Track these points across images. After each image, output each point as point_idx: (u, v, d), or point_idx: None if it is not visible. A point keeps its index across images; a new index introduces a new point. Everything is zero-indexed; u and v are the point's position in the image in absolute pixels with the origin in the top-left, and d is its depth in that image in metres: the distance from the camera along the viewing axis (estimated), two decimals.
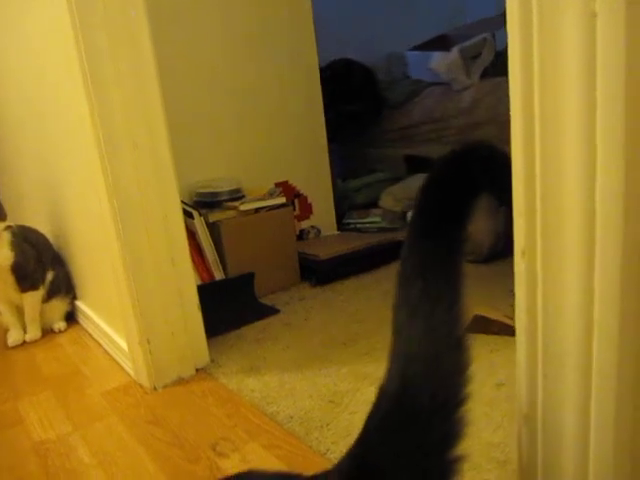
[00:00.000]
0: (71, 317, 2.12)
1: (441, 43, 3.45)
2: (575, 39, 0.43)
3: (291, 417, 1.29)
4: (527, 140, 0.51)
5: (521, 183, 0.52)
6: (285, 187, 2.40)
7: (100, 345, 1.86)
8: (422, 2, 4.27)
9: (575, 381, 0.50)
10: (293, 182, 2.46)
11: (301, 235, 2.49)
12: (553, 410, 0.53)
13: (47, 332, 2.03)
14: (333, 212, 2.64)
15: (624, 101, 0.41)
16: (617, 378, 0.47)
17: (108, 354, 1.78)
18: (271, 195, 2.12)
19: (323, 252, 2.21)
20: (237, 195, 2.08)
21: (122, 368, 1.67)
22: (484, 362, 1.43)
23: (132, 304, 1.46)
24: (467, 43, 3.12)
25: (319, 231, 2.53)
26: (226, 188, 2.06)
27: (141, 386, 1.54)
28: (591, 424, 0.50)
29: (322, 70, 2.57)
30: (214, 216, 1.97)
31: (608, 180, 0.43)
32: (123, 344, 1.63)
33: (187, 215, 1.90)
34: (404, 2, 4.24)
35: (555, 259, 0.48)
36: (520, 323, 0.55)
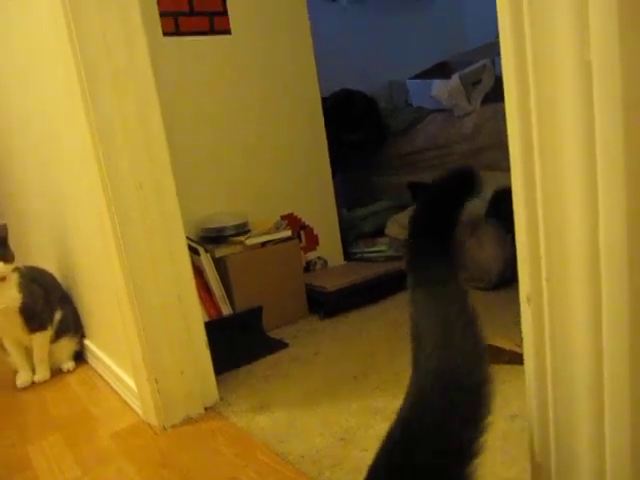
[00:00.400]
0: (80, 356, 2.11)
1: (441, 70, 3.49)
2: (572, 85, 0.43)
3: (302, 456, 1.27)
4: (528, 187, 0.51)
5: (524, 229, 0.52)
6: (291, 219, 2.41)
7: (109, 385, 1.85)
8: (421, 30, 4.33)
9: (588, 428, 0.49)
10: (298, 214, 2.47)
11: (308, 267, 2.48)
12: (566, 459, 0.52)
13: (56, 372, 2.02)
14: (339, 242, 2.63)
15: (624, 146, 0.41)
16: (630, 424, 0.45)
17: (117, 394, 1.77)
18: (277, 228, 2.12)
19: (330, 283, 2.20)
20: (243, 229, 2.09)
21: (131, 408, 1.66)
22: (497, 394, 1.40)
23: (140, 343, 1.46)
24: (467, 70, 3.15)
25: (326, 262, 2.53)
26: (231, 223, 2.07)
27: (150, 426, 1.53)
28: (607, 472, 0.49)
29: (324, 101, 2.60)
30: (220, 251, 1.97)
31: (611, 225, 0.42)
32: (131, 383, 1.62)
33: (193, 251, 1.91)
34: (403, 30, 4.30)
35: (561, 305, 0.47)
36: (529, 368, 0.54)
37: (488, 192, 2.73)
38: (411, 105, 3.66)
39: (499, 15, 0.52)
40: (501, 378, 1.48)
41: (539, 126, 0.49)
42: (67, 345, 2.04)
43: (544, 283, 0.48)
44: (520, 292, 0.55)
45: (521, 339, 1.66)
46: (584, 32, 0.41)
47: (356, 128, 3.48)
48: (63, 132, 1.65)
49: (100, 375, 1.94)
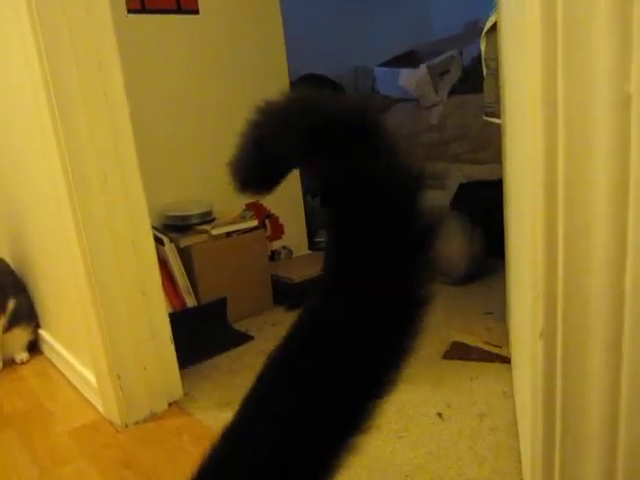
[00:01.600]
0: (34, 347, 2.02)
1: (409, 59, 3.47)
2: (607, 123, 0.41)
3: None
4: (550, 224, 0.46)
5: (542, 263, 0.48)
6: (256, 208, 2.36)
7: (65, 378, 1.78)
8: (389, 17, 4.30)
9: None
10: (264, 202, 2.42)
11: (273, 256, 2.44)
12: None
13: (8, 363, 1.93)
14: (305, 231, 2.60)
15: None
16: None
17: (75, 388, 1.71)
18: (243, 218, 2.07)
19: (296, 274, 2.17)
20: (208, 218, 2.03)
21: (90, 403, 1.60)
22: (464, 392, 1.41)
23: (101, 338, 1.40)
24: (435, 60, 3.14)
25: (291, 251, 2.50)
26: (196, 211, 2.01)
27: (111, 423, 1.48)
28: None
29: (292, 85, 2.54)
30: (185, 241, 1.91)
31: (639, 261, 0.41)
32: (91, 378, 1.56)
33: (157, 241, 1.84)
34: (371, 17, 4.26)
35: (578, 342, 0.45)
36: (535, 408, 0.51)
37: (453, 184, 2.75)
38: (377, 92, 3.63)
39: (528, 35, 0.48)
40: (468, 375, 1.49)
41: (566, 161, 0.46)
42: (21, 335, 1.95)
43: (559, 319, 0.45)
44: (530, 326, 0.51)
45: (489, 335, 1.67)
46: (626, 61, 0.38)
47: None
48: (19, 112, 1.56)
49: (56, 367, 1.87)
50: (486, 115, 1.73)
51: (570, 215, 0.46)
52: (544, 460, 0.52)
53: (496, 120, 1.66)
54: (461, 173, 2.83)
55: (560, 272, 0.45)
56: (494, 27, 1.58)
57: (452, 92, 3.12)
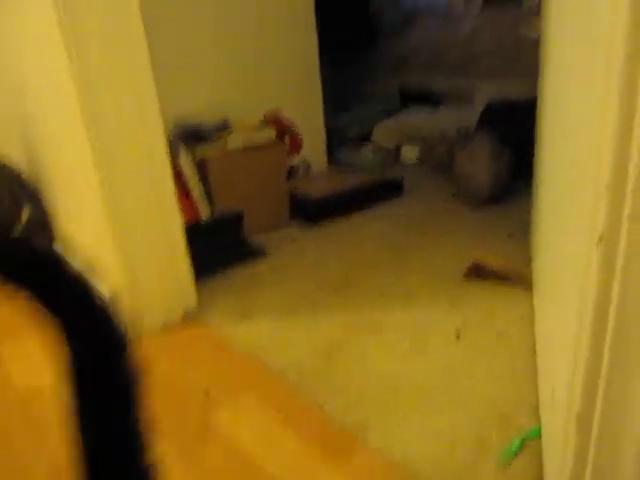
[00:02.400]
0: None
1: None
2: None
3: (285, 367, 1.24)
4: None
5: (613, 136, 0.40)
6: (275, 121, 2.27)
7: None
8: None
9: None
10: (283, 114, 2.33)
11: (291, 171, 2.38)
12: None
13: None
14: (324, 146, 2.52)
15: None
16: None
17: None
18: (260, 129, 1.99)
19: (314, 190, 2.12)
20: (224, 127, 1.95)
21: None
22: (482, 311, 1.39)
23: (114, 245, 1.38)
24: None
25: (309, 166, 2.43)
26: (212, 121, 1.93)
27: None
28: None
29: None
30: (200, 152, 1.85)
31: None
32: (105, 287, 1.55)
33: (171, 152, 1.78)
34: None
35: None
36: (585, 324, 0.46)
37: (481, 102, 2.61)
38: (403, 3, 3.41)
39: None
40: (486, 296, 1.46)
41: None
42: None
43: (625, 222, 0.39)
44: (584, 228, 0.45)
45: (510, 257, 1.62)
46: None
47: (345, 25, 3.25)
48: (28, 13, 1.46)
49: None
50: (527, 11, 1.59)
51: None
52: (585, 386, 0.48)
53: (534, 34, 1.53)
54: (489, 91, 2.69)
55: (633, 163, 0.38)
56: None
57: (486, 2, 2.92)
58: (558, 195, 0.88)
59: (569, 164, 0.67)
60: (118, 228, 1.35)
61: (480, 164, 1.96)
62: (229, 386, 1.20)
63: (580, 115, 0.59)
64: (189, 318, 1.51)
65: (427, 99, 3.05)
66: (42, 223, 1.94)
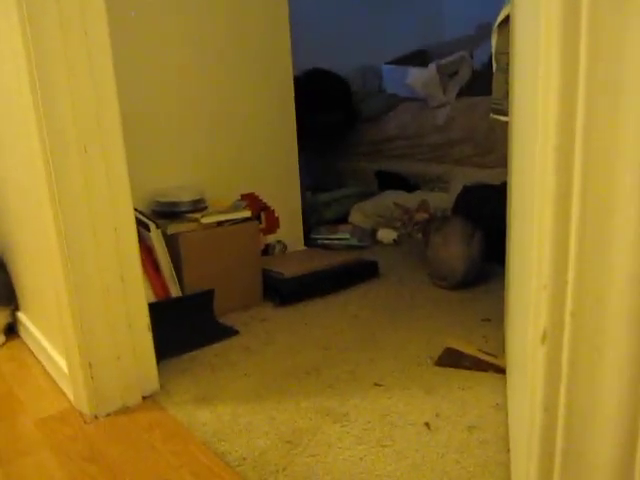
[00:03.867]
0: (12, 330, 1.95)
1: (418, 58, 3.40)
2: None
3: (244, 458, 1.17)
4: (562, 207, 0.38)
5: (549, 238, 0.40)
6: (251, 199, 2.28)
7: (40, 363, 1.70)
8: (400, 16, 4.23)
9: None
10: (260, 194, 2.35)
11: (266, 250, 2.37)
12: None
13: None
14: (301, 227, 2.53)
15: None
16: None
17: (48, 375, 1.63)
18: (236, 208, 1.99)
19: (288, 270, 2.09)
20: (199, 206, 1.95)
21: (62, 392, 1.52)
22: (455, 401, 1.33)
23: (74, 324, 1.32)
24: (445, 60, 3.07)
25: (285, 246, 2.42)
26: (187, 198, 1.93)
27: (80, 414, 1.40)
28: None
29: (296, 79, 2.47)
30: (173, 228, 1.83)
31: None
32: (63, 365, 1.48)
33: (143, 227, 1.77)
34: (382, 15, 4.19)
35: (588, 345, 0.37)
36: (534, 424, 0.43)
37: (457, 187, 2.66)
38: (384, 91, 3.56)
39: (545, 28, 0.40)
40: (459, 384, 1.41)
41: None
42: None
43: (567, 318, 0.37)
44: (529, 327, 0.42)
45: (484, 343, 1.59)
46: None
47: (327, 110, 3.37)
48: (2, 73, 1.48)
49: (31, 352, 1.79)
50: (493, 113, 1.65)
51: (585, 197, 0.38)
52: None
53: (503, 118, 1.58)
54: (464, 176, 2.75)
55: (572, 260, 0.36)
56: (507, 20, 1.50)
57: (460, 94, 3.05)
58: (519, 281, 0.87)
59: (519, 254, 0.66)
60: (77, 301, 1.30)
61: (452, 249, 1.96)
62: (181, 479, 1.12)
63: (525, 203, 0.59)
64: (149, 401, 1.44)
65: (404, 183, 3.11)
66: (6, 295, 1.89)
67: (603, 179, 0.37)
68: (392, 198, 2.82)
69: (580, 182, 0.39)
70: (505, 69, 1.54)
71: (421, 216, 2.23)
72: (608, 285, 0.37)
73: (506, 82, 1.54)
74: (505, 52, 1.53)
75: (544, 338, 0.39)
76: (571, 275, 0.37)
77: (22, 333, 1.91)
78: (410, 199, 2.78)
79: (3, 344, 1.88)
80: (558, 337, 0.38)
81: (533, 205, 0.43)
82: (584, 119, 0.39)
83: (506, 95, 1.53)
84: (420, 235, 2.29)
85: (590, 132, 0.39)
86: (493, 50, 1.62)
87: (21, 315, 1.91)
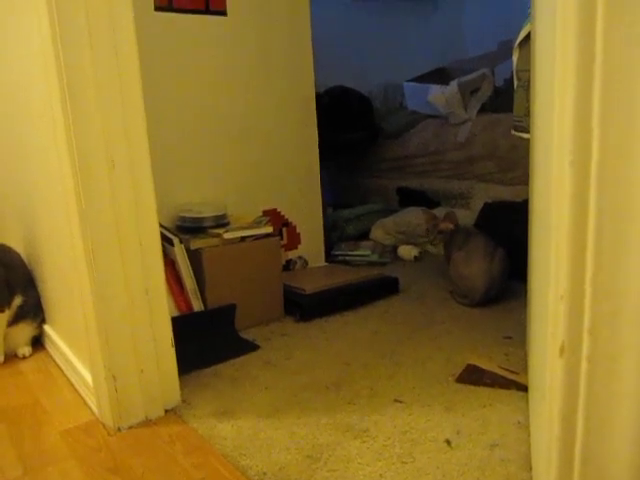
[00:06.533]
0: (38, 342, 1.99)
1: (439, 76, 3.42)
2: None
3: (264, 473, 1.17)
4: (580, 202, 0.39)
5: (566, 248, 0.40)
6: (273, 215, 2.31)
7: (65, 376, 1.73)
8: (421, 33, 4.26)
9: None
10: (282, 210, 2.37)
11: (288, 265, 2.39)
12: None
13: (10, 357, 1.90)
14: (322, 243, 2.54)
15: None
16: None
17: (73, 386, 1.66)
18: (258, 224, 2.02)
19: (309, 285, 2.10)
20: (222, 222, 1.98)
21: (86, 404, 1.55)
22: (476, 419, 1.32)
23: (99, 336, 1.35)
24: (466, 77, 3.08)
25: (306, 262, 2.44)
26: (210, 214, 1.96)
27: (104, 426, 1.42)
28: None
29: (319, 96, 2.50)
30: (196, 243, 1.86)
31: None
32: (88, 378, 1.51)
33: (167, 241, 1.80)
34: (402, 32, 4.23)
35: (607, 360, 0.38)
36: (552, 434, 0.43)
37: (478, 204, 2.66)
38: (405, 108, 3.58)
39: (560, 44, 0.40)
40: (481, 402, 1.40)
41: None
42: (25, 330, 1.91)
43: (585, 329, 0.37)
44: (549, 339, 0.42)
45: (506, 360, 1.58)
46: None
47: (349, 127, 3.39)
48: (29, 96, 1.53)
49: (57, 364, 1.82)
50: (515, 130, 1.66)
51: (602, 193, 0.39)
52: None
53: (525, 135, 1.58)
54: (486, 192, 2.74)
55: (589, 270, 0.37)
56: (528, 37, 1.51)
57: (482, 110, 3.06)
58: (538, 299, 0.87)
59: (540, 271, 0.67)
60: (103, 315, 1.33)
61: (474, 265, 1.96)
62: None
63: (543, 220, 0.59)
64: (171, 414, 1.45)
65: (425, 199, 3.11)
66: (34, 308, 1.93)
67: (620, 191, 0.38)
68: (414, 213, 2.82)
69: (596, 195, 0.39)
70: (526, 86, 1.54)
71: (446, 226, 2.23)
72: (625, 294, 0.37)
73: (527, 99, 1.55)
74: (526, 69, 1.53)
75: (562, 352, 0.39)
76: (588, 285, 0.37)
77: (48, 345, 1.95)
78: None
79: (30, 356, 1.91)
80: (577, 348, 0.38)
81: (550, 220, 0.44)
82: (599, 134, 0.40)
83: (527, 112, 1.54)
84: (442, 246, 2.28)
85: (606, 146, 0.40)
86: (514, 67, 1.63)
87: (47, 328, 1.95)
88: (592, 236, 0.38)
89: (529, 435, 1.24)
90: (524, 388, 1.42)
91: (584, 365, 0.39)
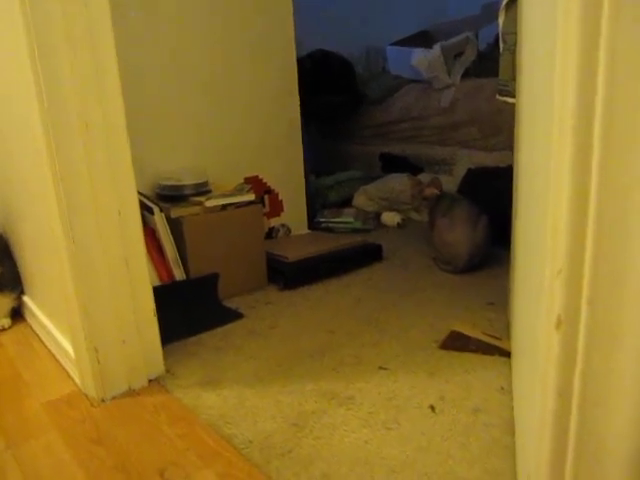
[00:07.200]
0: (18, 313, 1.95)
1: (422, 39, 3.35)
2: None
3: (250, 441, 1.17)
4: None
5: (565, 221, 0.38)
6: (255, 182, 2.27)
7: (46, 347, 1.71)
8: None
9: None
10: (264, 177, 2.33)
11: (270, 233, 2.36)
12: None
13: None
14: (305, 210, 2.52)
15: None
16: None
17: (54, 358, 1.64)
18: (239, 191, 1.98)
19: (292, 253, 2.09)
20: (203, 189, 1.94)
21: (68, 375, 1.53)
22: (459, 385, 1.33)
23: (79, 308, 1.32)
24: (450, 41, 3.03)
25: (289, 230, 2.41)
26: (191, 181, 1.92)
27: (87, 397, 1.41)
28: None
29: (300, 60, 2.44)
30: (176, 212, 1.83)
31: None
32: (69, 349, 1.49)
33: (147, 210, 1.76)
34: None
35: (607, 332, 0.36)
36: (546, 411, 0.43)
37: (461, 170, 2.65)
38: (388, 72, 3.52)
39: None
40: (464, 367, 1.41)
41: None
42: (3, 301, 1.87)
43: (584, 304, 0.36)
44: (543, 312, 0.41)
45: (490, 327, 1.59)
46: None
47: (331, 91, 3.33)
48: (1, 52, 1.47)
49: (38, 336, 1.80)
50: (500, 94, 1.63)
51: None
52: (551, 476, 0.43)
53: (510, 100, 1.56)
54: (469, 158, 2.73)
55: (589, 243, 0.36)
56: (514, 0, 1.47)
57: (465, 75, 3.02)
58: (523, 265, 0.86)
59: (525, 237, 0.65)
60: (82, 286, 1.30)
61: (458, 232, 1.95)
62: (187, 464, 1.13)
63: (538, 182, 0.58)
64: (155, 384, 1.44)
65: (408, 165, 3.09)
66: (12, 280, 1.89)
67: (623, 159, 0.36)
68: (399, 180, 2.80)
69: (598, 162, 0.38)
70: (512, 50, 1.51)
71: (432, 191, 2.21)
72: (626, 269, 0.36)
73: (513, 63, 1.52)
74: (513, 32, 1.50)
75: (559, 324, 0.38)
76: (588, 258, 0.36)
77: (28, 317, 1.92)
78: (413, 182, 2.76)
79: (9, 327, 1.88)
80: (574, 323, 0.37)
81: (547, 188, 0.43)
82: (604, 96, 0.38)
83: (513, 76, 1.51)
84: (427, 212, 2.27)
85: (611, 110, 0.38)
86: (500, 30, 1.60)
87: (27, 299, 1.91)
88: (594, 205, 0.37)
89: (512, 400, 1.25)
90: (507, 354, 1.43)
91: (582, 337, 0.38)
